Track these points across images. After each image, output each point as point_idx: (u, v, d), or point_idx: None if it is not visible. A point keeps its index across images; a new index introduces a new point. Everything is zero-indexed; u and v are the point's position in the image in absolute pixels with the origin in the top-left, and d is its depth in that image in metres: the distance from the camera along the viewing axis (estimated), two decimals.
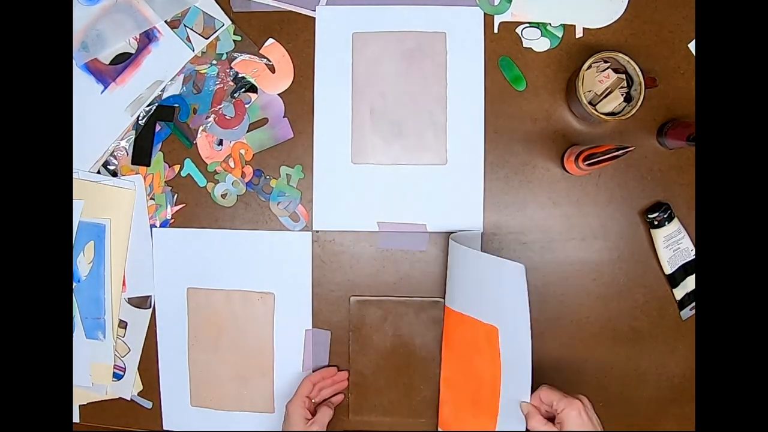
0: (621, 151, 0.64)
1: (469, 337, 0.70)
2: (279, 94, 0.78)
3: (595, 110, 0.70)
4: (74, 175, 0.78)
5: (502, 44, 0.77)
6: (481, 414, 0.70)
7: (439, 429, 0.77)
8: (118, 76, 0.78)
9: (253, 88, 0.78)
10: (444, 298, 0.76)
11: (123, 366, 0.80)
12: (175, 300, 0.79)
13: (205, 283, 0.79)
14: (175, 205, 0.79)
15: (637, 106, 0.70)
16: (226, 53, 0.78)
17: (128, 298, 0.79)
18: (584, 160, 0.68)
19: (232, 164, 0.78)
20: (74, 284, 0.78)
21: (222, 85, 0.78)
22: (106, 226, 0.78)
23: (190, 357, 0.79)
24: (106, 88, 0.78)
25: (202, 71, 0.78)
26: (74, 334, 0.79)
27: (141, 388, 0.80)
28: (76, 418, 0.81)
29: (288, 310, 0.79)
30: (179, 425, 0.80)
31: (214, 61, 0.78)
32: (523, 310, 0.62)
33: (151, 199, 0.78)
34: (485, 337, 0.67)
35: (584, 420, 0.59)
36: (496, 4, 0.76)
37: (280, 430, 0.78)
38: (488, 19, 0.77)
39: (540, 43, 0.76)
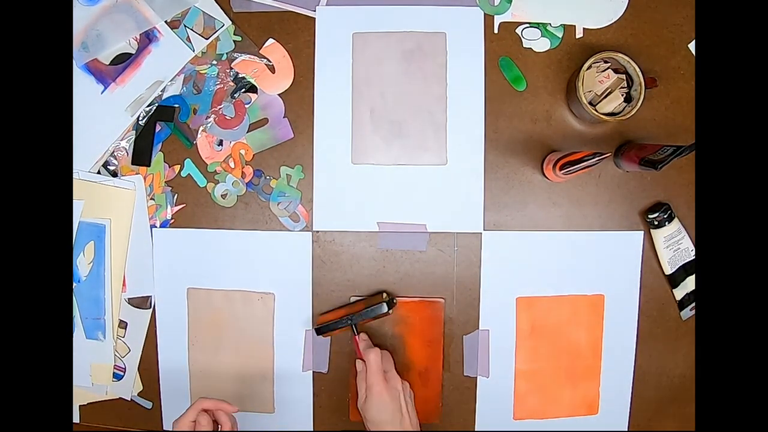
0: (596, 159, 0.64)
1: (567, 314, 0.77)
2: (279, 95, 0.78)
3: (595, 110, 0.70)
4: (74, 176, 0.78)
5: (502, 44, 0.77)
6: (581, 380, 0.78)
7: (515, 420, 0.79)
8: (118, 77, 0.78)
9: (253, 89, 0.78)
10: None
11: (123, 366, 0.80)
12: (175, 300, 0.79)
13: (205, 283, 0.79)
14: (175, 206, 0.79)
15: (638, 107, 0.70)
16: (226, 53, 0.78)
17: (128, 298, 0.79)
18: (561, 168, 0.68)
19: (232, 164, 0.78)
20: (74, 284, 0.78)
21: (222, 86, 0.78)
22: (106, 226, 0.78)
23: (190, 357, 0.79)
24: (106, 88, 0.78)
25: (202, 71, 0.78)
26: (74, 334, 0.79)
27: (141, 388, 0.80)
28: (76, 418, 0.81)
29: (288, 310, 0.79)
30: None
31: (215, 62, 0.78)
32: (635, 273, 0.77)
33: (151, 199, 0.78)
34: (589, 307, 0.77)
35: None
36: (496, 4, 0.76)
37: (280, 430, 0.78)
38: (488, 20, 0.77)
39: (540, 44, 0.76)
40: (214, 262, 0.79)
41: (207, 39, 0.77)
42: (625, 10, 0.76)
